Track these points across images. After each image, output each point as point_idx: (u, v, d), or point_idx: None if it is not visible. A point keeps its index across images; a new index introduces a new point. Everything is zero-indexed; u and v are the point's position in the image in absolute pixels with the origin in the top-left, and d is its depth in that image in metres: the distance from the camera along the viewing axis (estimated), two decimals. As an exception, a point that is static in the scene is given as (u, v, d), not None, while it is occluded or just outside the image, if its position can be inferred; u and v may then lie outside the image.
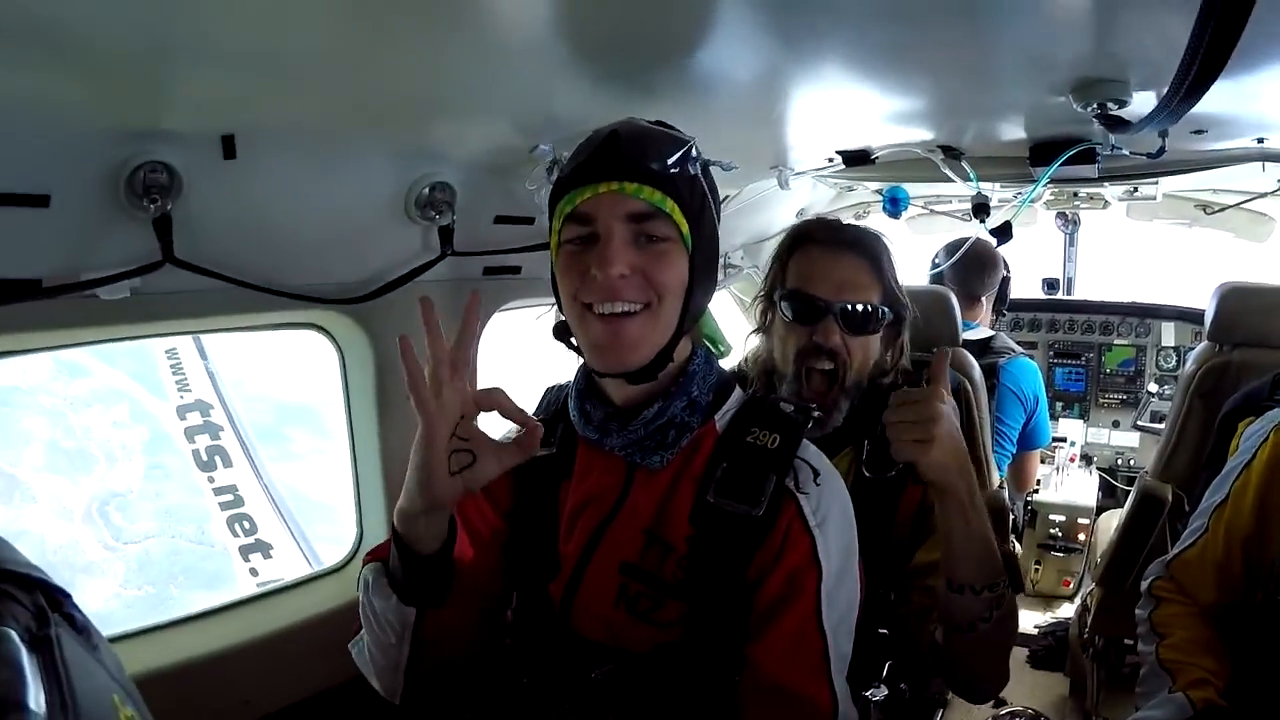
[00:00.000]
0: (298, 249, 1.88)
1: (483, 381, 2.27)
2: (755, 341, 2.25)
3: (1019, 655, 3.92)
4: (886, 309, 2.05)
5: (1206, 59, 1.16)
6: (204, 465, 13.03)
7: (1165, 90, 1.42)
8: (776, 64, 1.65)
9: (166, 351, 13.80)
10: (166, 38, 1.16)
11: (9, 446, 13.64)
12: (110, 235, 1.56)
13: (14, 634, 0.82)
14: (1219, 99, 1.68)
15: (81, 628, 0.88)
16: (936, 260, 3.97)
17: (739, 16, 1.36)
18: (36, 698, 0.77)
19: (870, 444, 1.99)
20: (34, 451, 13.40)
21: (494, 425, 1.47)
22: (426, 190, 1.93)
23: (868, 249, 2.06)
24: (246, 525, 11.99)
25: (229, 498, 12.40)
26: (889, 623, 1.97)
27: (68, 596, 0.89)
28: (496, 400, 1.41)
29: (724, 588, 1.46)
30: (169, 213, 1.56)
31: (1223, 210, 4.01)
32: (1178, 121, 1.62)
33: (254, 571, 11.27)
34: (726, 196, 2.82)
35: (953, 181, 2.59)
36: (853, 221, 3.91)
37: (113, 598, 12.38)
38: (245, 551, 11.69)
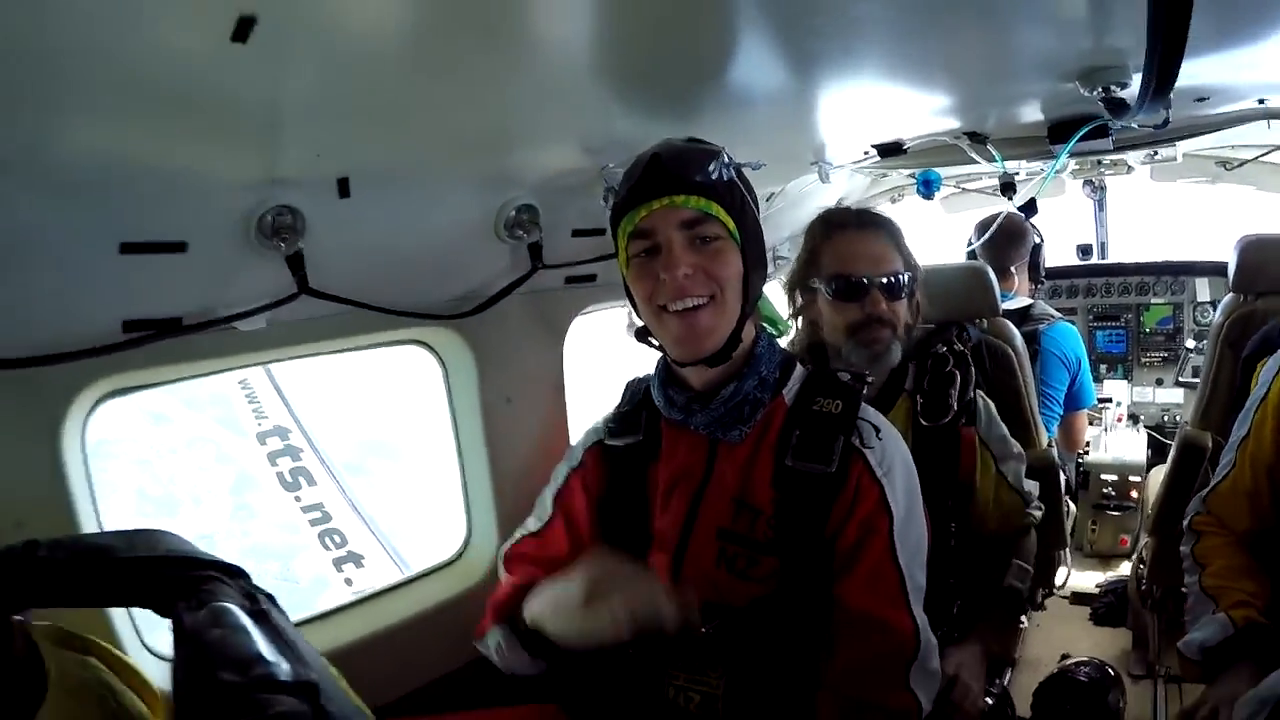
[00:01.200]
0: (404, 273, 2.04)
1: (570, 375, 2.47)
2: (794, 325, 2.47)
3: (1082, 613, 3.97)
4: (908, 274, 2.27)
5: (1164, 60, 1.33)
6: (289, 486, 13.12)
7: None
8: (814, 77, 1.84)
9: (239, 383, 14.03)
10: (287, 98, 1.35)
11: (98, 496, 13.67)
12: (243, 273, 1.72)
13: (236, 607, 1.04)
14: (1217, 70, 1.85)
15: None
16: (970, 240, 4.10)
17: (783, 41, 1.56)
18: (272, 651, 0.98)
19: (923, 397, 2.23)
20: (121, 499, 13.44)
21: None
22: (513, 212, 2.09)
23: (886, 225, 2.32)
24: (337, 539, 12.12)
25: (317, 514, 12.54)
26: (956, 572, 2.19)
27: (260, 590, 1.11)
28: None
29: (809, 540, 1.66)
30: (301, 250, 1.72)
31: (1242, 165, 4.03)
32: (1165, 108, 1.79)
33: (349, 581, 11.42)
34: (771, 194, 2.96)
35: (980, 164, 2.75)
36: (888, 205, 4.14)
37: (197, 634, 12.46)
38: (338, 563, 11.81)
